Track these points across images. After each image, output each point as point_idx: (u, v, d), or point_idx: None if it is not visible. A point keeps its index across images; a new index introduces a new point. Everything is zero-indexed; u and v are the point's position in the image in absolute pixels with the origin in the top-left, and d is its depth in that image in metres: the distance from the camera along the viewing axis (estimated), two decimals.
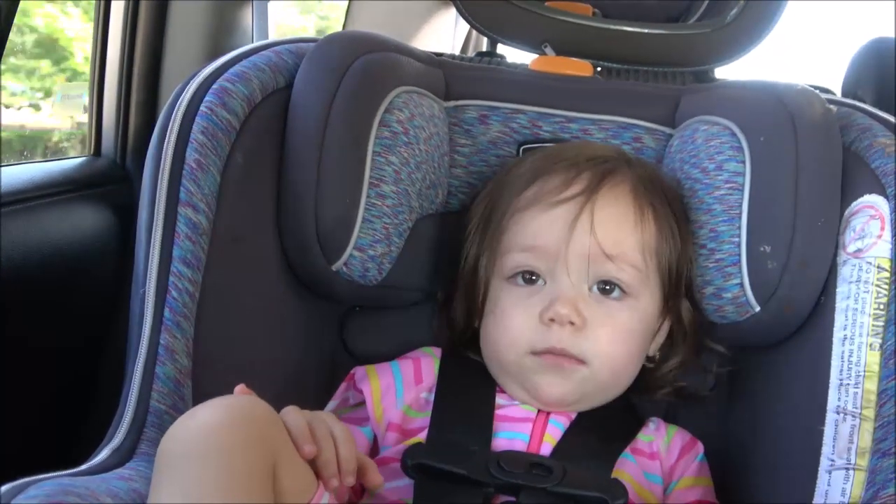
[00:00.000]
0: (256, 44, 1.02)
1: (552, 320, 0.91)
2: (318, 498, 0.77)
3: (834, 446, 0.88)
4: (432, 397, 0.95)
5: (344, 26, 2.05)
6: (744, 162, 0.95)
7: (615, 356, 0.93)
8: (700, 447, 0.99)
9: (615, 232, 0.93)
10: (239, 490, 0.69)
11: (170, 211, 0.88)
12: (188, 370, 0.87)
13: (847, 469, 0.87)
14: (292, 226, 0.96)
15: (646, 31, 1.15)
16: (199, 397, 0.84)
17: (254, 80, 0.96)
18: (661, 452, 0.96)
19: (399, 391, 0.97)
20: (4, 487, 0.70)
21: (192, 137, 0.90)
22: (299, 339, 1.01)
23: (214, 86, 0.93)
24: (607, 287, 0.93)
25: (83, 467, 0.78)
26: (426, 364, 0.99)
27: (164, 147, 0.90)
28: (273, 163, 0.97)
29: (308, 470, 0.78)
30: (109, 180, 1.41)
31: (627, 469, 0.92)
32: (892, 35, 1.55)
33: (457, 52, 2.32)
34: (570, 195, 0.94)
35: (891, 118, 0.99)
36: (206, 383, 0.87)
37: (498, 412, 0.94)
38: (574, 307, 0.91)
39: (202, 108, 0.92)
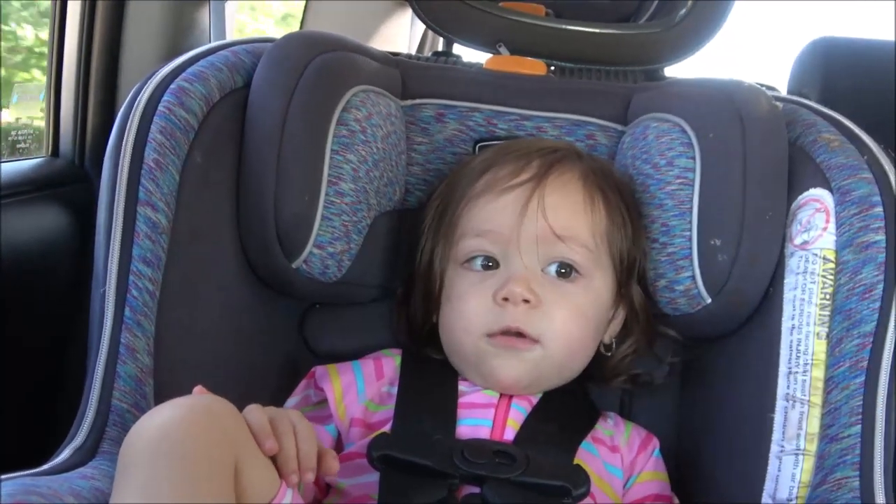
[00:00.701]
0: (214, 44, 1.03)
1: (506, 300, 0.92)
2: (280, 497, 0.78)
3: (784, 432, 0.91)
4: (394, 390, 0.96)
5: (301, 26, 2.05)
6: (694, 158, 0.97)
7: (570, 336, 0.94)
8: (656, 442, 1.01)
9: (565, 214, 0.95)
10: (200, 490, 0.69)
11: (129, 210, 0.89)
12: (149, 369, 0.87)
13: (797, 454, 0.89)
14: (252, 224, 0.96)
15: (598, 30, 1.17)
16: (161, 396, 0.84)
17: (211, 79, 0.96)
18: (621, 446, 0.98)
19: (360, 387, 0.97)
20: None
21: (150, 137, 0.90)
22: (260, 337, 1.02)
23: (172, 85, 0.94)
24: (562, 271, 0.95)
25: (45, 467, 0.78)
26: (387, 362, 1.01)
27: (123, 147, 0.90)
28: (232, 162, 0.97)
29: (271, 468, 0.78)
30: (68, 180, 1.40)
31: (588, 459, 0.93)
32: (831, 34, 1.59)
33: (413, 51, 2.33)
34: (520, 181, 0.96)
35: (835, 114, 1.02)
36: (167, 382, 0.88)
37: (461, 399, 0.95)
38: (527, 286, 0.92)
39: (160, 107, 0.92)
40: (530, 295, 0.92)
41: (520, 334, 0.93)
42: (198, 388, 0.78)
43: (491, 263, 0.96)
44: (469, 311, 0.94)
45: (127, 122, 0.91)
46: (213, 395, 0.77)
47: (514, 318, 0.92)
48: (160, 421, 0.72)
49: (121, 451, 0.72)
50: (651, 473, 0.98)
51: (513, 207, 0.94)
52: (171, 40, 1.43)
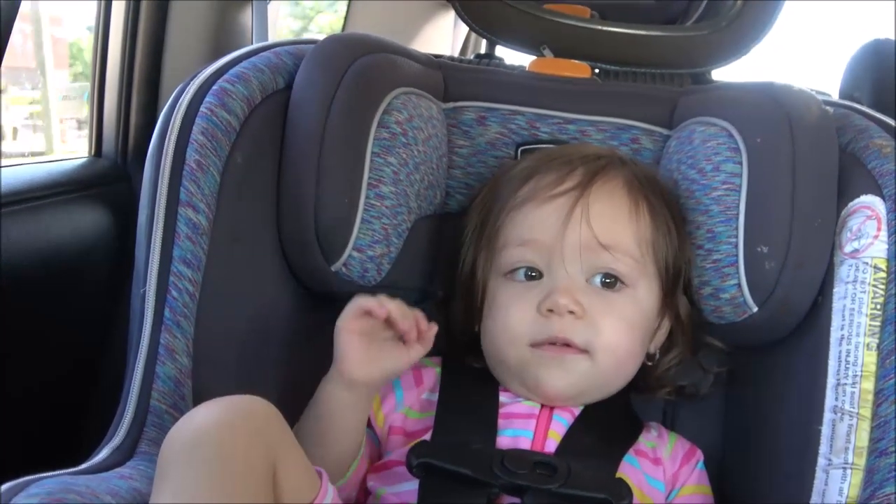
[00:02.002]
0: (256, 45, 1.03)
1: (550, 311, 0.91)
2: (322, 497, 0.77)
3: (831, 446, 0.88)
4: (434, 397, 0.95)
5: (343, 28, 2.05)
6: (741, 163, 0.96)
7: (617, 346, 0.93)
8: (700, 455, 0.99)
9: (610, 223, 0.94)
10: (237, 492, 0.69)
11: (170, 211, 0.89)
12: (188, 370, 0.87)
13: (844, 468, 0.87)
14: (292, 226, 0.96)
15: (643, 32, 1.16)
16: (200, 397, 0.84)
17: (253, 80, 0.96)
18: (664, 458, 0.96)
19: (399, 395, 0.97)
20: (5, 486, 0.70)
21: (192, 138, 0.91)
22: (299, 340, 1.01)
23: (214, 87, 0.94)
24: (607, 280, 0.93)
25: (84, 466, 0.78)
26: (427, 371, 1.00)
27: (165, 147, 0.91)
28: (272, 163, 0.97)
29: (309, 469, 0.78)
30: (110, 180, 1.41)
31: (630, 472, 0.91)
32: (890, 37, 1.56)
33: (456, 54, 2.32)
34: (563, 189, 0.94)
35: (888, 119, 0.99)
36: (206, 383, 0.88)
37: (502, 410, 0.94)
38: (572, 297, 0.91)
39: (202, 108, 0.92)
40: (575, 306, 0.91)
41: (567, 344, 0.91)
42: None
43: (534, 273, 0.94)
44: (513, 322, 0.93)
45: (169, 123, 0.92)
46: (253, 396, 0.77)
47: (560, 328, 0.91)
48: (198, 422, 0.73)
49: (161, 452, 0.72)
50: (694, 487, 0.96)
51: (556, 216, 0.93)
52: (213, 41, 1.44)
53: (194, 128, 0.91)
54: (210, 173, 0.91)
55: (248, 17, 1.50)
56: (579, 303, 0.91)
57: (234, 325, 0.93)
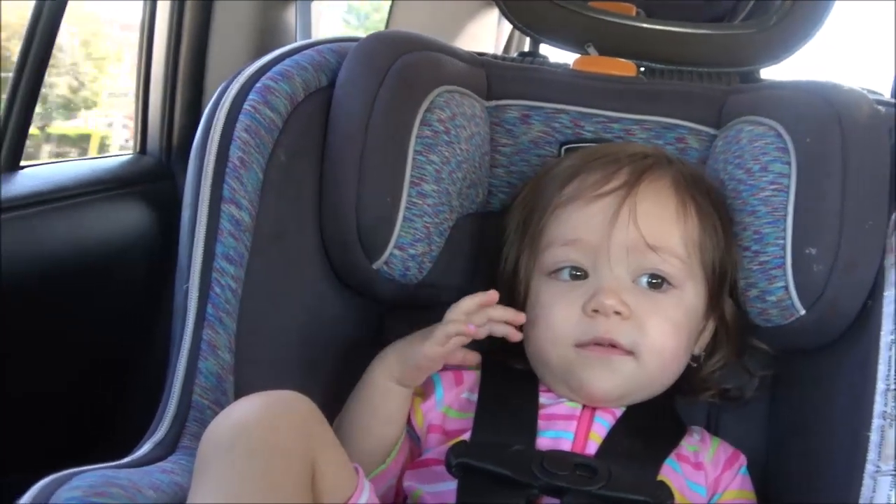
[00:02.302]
0: (299, 43, 1.03)
1: (596, 311, 0.90)
2: (357, 496, 0.77)
3: (880, 452, 0.86)
4: (474, 397, 0.95)
5: (386, 26, 2.06)
6: (789, 163, 0.94)
7: (663, 347, 0.91)
8: (743, 460, 0.97)
9: (657, 223, 0.92)
10: (276, 487, 0.69)
11: (213, 208, 0.89)
12: (230, 365, 0.88)
13: (894, 476, 0.85)
14: (333, 224, 0.96)
15: (690, 31, 1.14)
16: (241, 392, 0.84)
17: (297, 78, 0.96)
18: (706, 463, 0.94)
19: (439, 393, 0.96)
20: (48, 479, 0.71)
21: (235, 135, 0.91)
22: (340, 337, 1.02)
23: (258, 84, 0.94)
24: (654, 281, 0.92)
25: (126, 460, 0.79)
26: (467, 370, 0.99)
27: (208, 145, 0.91)
28: (315, 161, 0.97)
29: (348, 466, 0.78)
30: (154, 177, 1.43)
31: (671, 476, 0.90)
32: None
33: (499, 52, 2.31)
34: (610, 189, 0.93)
35: None
36: (247, 379, 0.88)
37: (542, 411, 0.93)
38: (618, 297, 0.90)
39: (245, 106, 0.93)
40: (622, 307, 0.90)
41: (612, 345, 0.90)
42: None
43: (579, 273, 0.93)
44: (557, 322, 0.92)
45: (213, 121, 0.92)
46: (293, 392, 0.77)
47: (605, 328, 0.90)
48: (238, 418, 0.73)
49: (199, 447, 0.72)
50: (736, 492, 0.94)
51: (603, 216, 0.92)
52: (257, 39, 1.45)
53: (238, 125, 0.92)
54: (253, 170, 0.91)
55: (291, 15, 1.51)
56: (625, 303, 0.90)
57: (275, 321, 0.93)
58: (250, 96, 0.93)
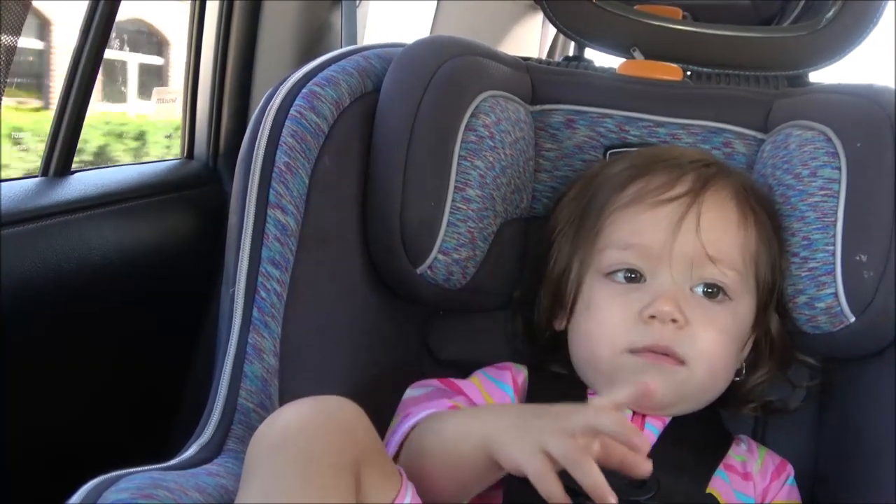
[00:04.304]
0: (345, 49, 1.04)
1: (652, 317, 0.89)
2: (401, 498, 0.78)
3: None
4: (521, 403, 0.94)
5: (431, 31, 2.06)
6: (839, 168, 0.93)
7: (716, 359, 0.91)
8: (790, 470, 0.96)
9: (720, 234, 0.92)
10: (322, 493, 0.69)
11: (259, 212, 0.90)
12: (275, 369, 0.88)
13: None
14: (378, 228, 0.97)
15: (737, 34, 1.13)
16: (285, 396, 0.85)
17: (342, 84, 0.97)
18: (753, 473, 0.93)
19: (507, 390, 0.95)
20: (96, 480, 0.72)
21: (281, 140, 0.92)
22: (384, 342, 1.02)
23: (304, 90, 0.95)
24: (710, 290, 0.91)
25: (172, 462, 0.80)
26: (519, 374, 0.98)
27: (255, 150, 0.92)
28: (360, 166, 0.98)
29: (394, 471, 0.78)
30: (201, 182, 1.44)
31: (719, 487, 0.89)
32: None
33: (544, 56, 2.31)
34: (675, 195, 0.92)
35: None
36: (292, 382, 0.89)
37: None
38: (677, 305, 0.89)
39: (292, 111, 0.93)
40: (679, 315, 0.89)
41: (665, 353, 0.89)
42: None
43: (635, 275, 0.92)
44: (611, 324, 0.91)
45: (259, 126, 0.93)
46: (339, 397, 0.77)
47: (661, 336, 0.89)
48: (284, 422, 0.73)
49: (248, 450, 0.73)
50: (783, 503, 0.93)
51: (667, 222, 0.91)
52: (304, 45, 1.46)
53: (284, 130, 0.93)
54: (299, 175, 0.92)
55: (337, 17, 1.51)
56: (682, 312, 0.89)
57: (320, 325, 0.94)
58: (297, 102, 0.94)
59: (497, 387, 0.95)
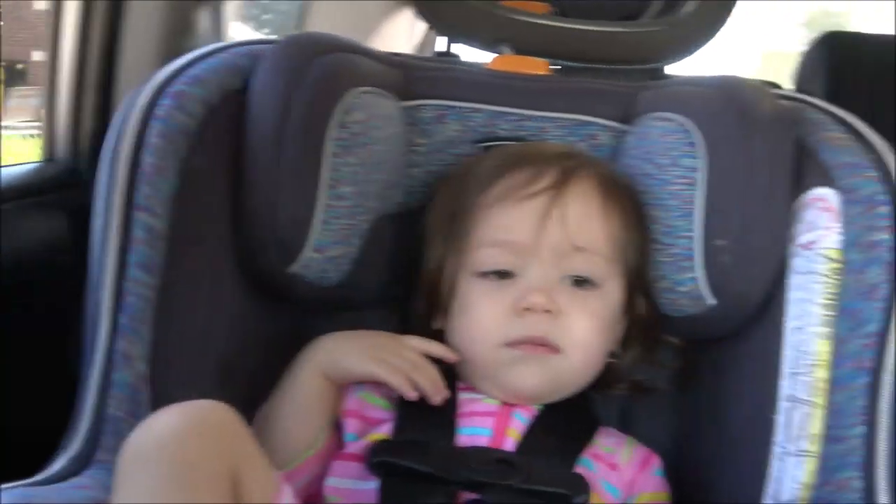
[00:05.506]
0: (212, 46, 1.02)
1: (526, 310, 0.92)
2: (280, 499, 0.77)
3: (786, 434, 0.90)
4: (394, 394, 0.95)
5: (301, 28, 2.04)
6: (697, 157, 0.96)
7: (589, 344, 0.94)
8: (658, 461, 1.00)
9: (585, 225, 0.95)
10: (198, 499, 0.69)
11: (126, 216, 0.88)
12: (146, 376, 0.87)
13: (799, 456, 0.88)
14: (250, 228, 0.96)
15: (601, 29, 1.17)
16: (160, 403, 0.83)
17: (211, 82, 0.95)
18: (620, 465, 0.97)
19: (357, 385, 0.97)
20: None
21: (148, 141, 0.90)
22: (261, 343, 1.01)
23: (171, 89, 0.93)
24: (580, 279, 0.95)
25: (40, 477, 0.78)
26: None
27: (120, 151, 0.90)
28: (230, 165, 0.96)
29: (270, 473, 0.78)
30: (63, 185, 1.39)
31: (586, 475, 0.91)
32: (840, 30, 1.58)
33: (414, 52, 2.32)
34: (539, 189, 0.95)
35: (840, 112, 1.01)
36: (164, 389, 0.87)
37: (461, 408, 0.94)
38: (548, 296, 0.92)
39: (158, 111, 0.91)
40: (551, 305, 0.92)
41: (542, 344, 0.92)
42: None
43: (506, 273, 0.95)
44: (486, 320, 0.94)
45: (124, 126, 0.91)
46: (213, 401, 0.76)
47: (536, 327, 0.92)
48: (157, 430, 0.72)
49: (119, 461, 0.71)
50: (651, 494, 0.97)
51: (533, 217, 0.94)
52: (168, 43, 1.42)
53: (150, 130, 0.91)
54: (167, 176, 0.90)
55: (203, 18, 1.49)
56: (555, 302, 0.92)
57: (192, 329, 0.92)
58: (163, 101, 0.92)
59: (373, 406, 0.96)
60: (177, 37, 1.44)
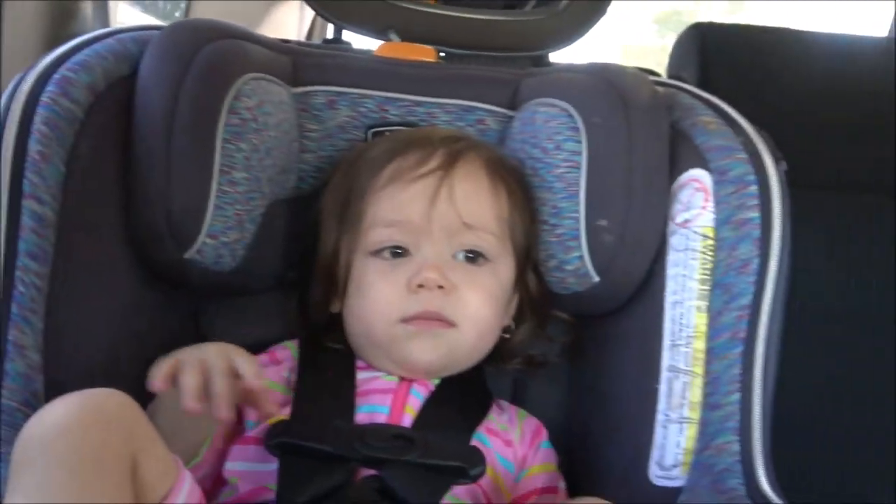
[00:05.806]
0: (98, 32, 1.00)
1: (420, 286, 0.94)
2: (179, 486, 0.77)
3: (668, 402, 0.95)
4: (294, 377, 0.97)
5: (187, 14, 2.01)
6: (580, 141, 1.00)
7: (482, 318, 0.97)
8: (545, 433, 1.03)
9: (473, 203, 0.98)
10: (95, 488, 0.68)
11: (13, 204, 0.86)
12: (39, 365, 0.85)
13: (681, 423, 0.94)
14: (142, 215, 0.95)
15: (485, 17, 1.19)
16: (54, 392, 0.82)
17: (97, 68, 0.94)
18: (514, 441, 1.00)
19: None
20: None
21: (33, 129, 0.88)
22: (156, 331, 1.00)
23: (56, 75, 0.91)
24: (471, 255, 0.98)
25: None
26: (280, 350, 1.01)
27: (4, 139, 0.88)
28: (120, 152, 0.95)
29: (168, 460, 0.78)
30: None
31: (482, 449, 0.94)
32: (711, 20, 1.65)
33: (303, 38, 2.31)
34: (428, 170, 0.97)
35: (711, 98, 1.06)
36: (60, 377, 0.86)
37: (360, 387, 0.96)
38: (441, 272, 0.94)
39: (43, 98, 0.90)
40: (444, 281, 0.94)
41: (437, 319, 0.95)
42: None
43: (400, 251, 0.97)
44: (381, 299, 0.96)
45: (8, 114, 0.89)
46: (109, 389, 0.76)
47: (430, 302, 0.94)
48: (52, 419, 0.72)
49: (13, 452, 0.70)
50: (539, 467, 1.00)
51: (423, 196, 0.96)
52: (52, 29, 1.39)
53: (36, 118, 0.89)
54: (54, 164, 0.89)
55: (87, 4, 1.45)
56: (447, 278, 0.94)
57: (87, 317, 0.91)
58: (48, 88, 0.90)
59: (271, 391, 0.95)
60: (61, 21, 1.40)
